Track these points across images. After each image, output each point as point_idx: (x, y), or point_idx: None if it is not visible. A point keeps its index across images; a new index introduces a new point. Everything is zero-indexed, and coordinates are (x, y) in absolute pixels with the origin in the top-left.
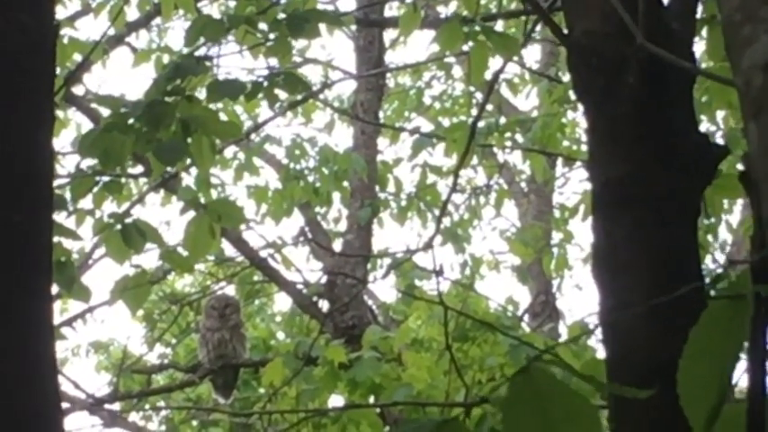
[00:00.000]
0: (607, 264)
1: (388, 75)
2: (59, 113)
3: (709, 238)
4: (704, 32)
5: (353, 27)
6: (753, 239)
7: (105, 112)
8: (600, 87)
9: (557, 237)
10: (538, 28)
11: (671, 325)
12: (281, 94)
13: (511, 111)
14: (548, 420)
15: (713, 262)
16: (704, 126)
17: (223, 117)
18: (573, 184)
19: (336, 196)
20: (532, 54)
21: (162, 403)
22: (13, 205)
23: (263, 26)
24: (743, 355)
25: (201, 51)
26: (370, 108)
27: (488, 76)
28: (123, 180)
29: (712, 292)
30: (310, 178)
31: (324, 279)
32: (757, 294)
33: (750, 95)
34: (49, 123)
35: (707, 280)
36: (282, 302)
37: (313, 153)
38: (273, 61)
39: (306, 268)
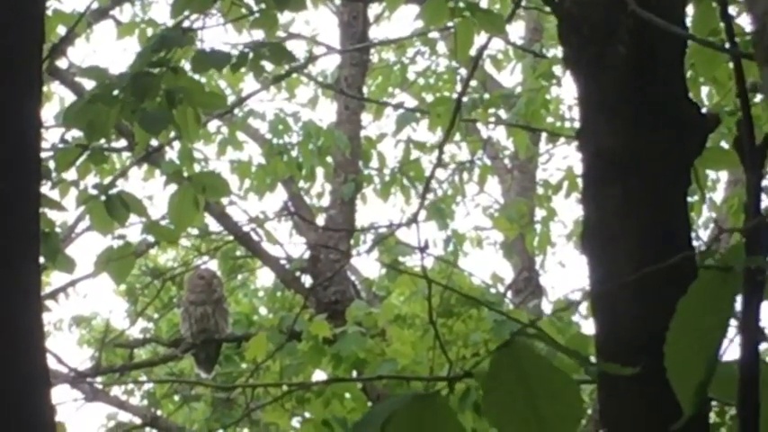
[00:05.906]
0: (597, 236)
1: (372, 50)
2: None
3: (693, 215)
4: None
5: (337, 1)
6: (747, 207)
7: (89, 85)
8: (590, 57)
9: (540, 213)
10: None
11: (661, 297)
12: (267, 66)
13: (495, 86)
14: (529, 395)
15: (696, 239)
16: None
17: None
18: (556, 161)
19: (320, 171)
20: (516, 30)
21: (144, 377)
22: (2, 175)
23: None
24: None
25: (186, 24)
26: (354, 83)
27: (473, 51)
28: (107, 153)
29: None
30: (294, 153)
31: (307, 254)
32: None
33: (764, 42)
34: (37, 96)
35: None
36: (265, 278)
37: (296, 128)
38: (257, 35)
39: (289, 243)
